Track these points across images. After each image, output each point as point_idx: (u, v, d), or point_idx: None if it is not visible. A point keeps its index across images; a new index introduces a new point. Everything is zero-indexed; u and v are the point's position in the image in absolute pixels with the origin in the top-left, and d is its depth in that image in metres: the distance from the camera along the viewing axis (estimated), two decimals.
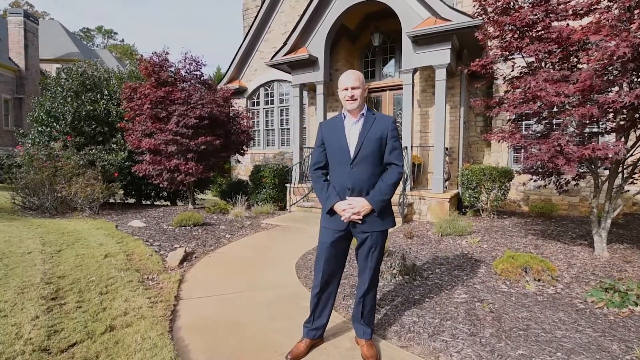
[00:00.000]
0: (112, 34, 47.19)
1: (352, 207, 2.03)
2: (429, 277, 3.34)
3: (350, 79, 2.08)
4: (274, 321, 2.62)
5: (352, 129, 2.12)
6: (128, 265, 3.87)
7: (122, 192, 9.54)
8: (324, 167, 2.24)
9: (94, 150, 7.81)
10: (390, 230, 4.98)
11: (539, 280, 3.11)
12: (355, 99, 2.08)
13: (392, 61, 8.92)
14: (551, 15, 3.80)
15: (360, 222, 2.06)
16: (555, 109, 3.76)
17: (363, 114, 2.13)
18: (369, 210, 2.04)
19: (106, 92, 9.01)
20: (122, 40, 47.64)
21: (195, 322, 2.64)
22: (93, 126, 8.62)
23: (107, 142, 8.67)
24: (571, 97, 3.55)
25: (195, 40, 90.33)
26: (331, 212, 2.13)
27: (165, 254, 4.40)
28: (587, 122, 3.33)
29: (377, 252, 2.12)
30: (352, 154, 2.07)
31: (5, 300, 2.84)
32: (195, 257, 4.37)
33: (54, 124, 8.52)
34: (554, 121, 4.02)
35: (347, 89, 2.08)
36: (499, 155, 7.93)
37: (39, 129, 8.75)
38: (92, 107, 8.56)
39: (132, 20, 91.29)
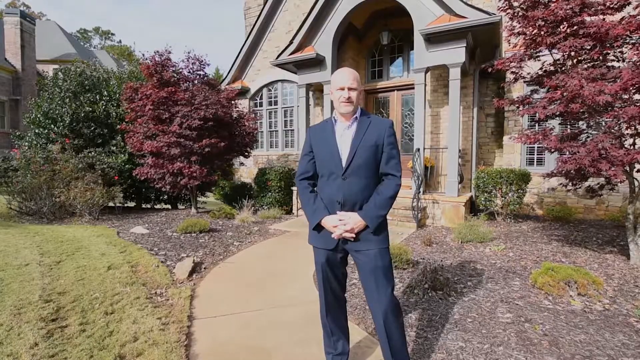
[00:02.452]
0: (110, 35, 46.72)
1: (344, 224, 1.77)
2: (462, 291, 3.08)
3: (347, 78, 1.82)
4: (303, 346, 2.36)
5: (344, 135, 1.86)
6: (133, 278, 3.60)
7: (121, 195, 9.24)
8: (312, 178, 1.98)
9: (93, 153, 7.51)
10: (405, 236, 4.64)
11: (583, 295, 2.87)
12: (352, 101, 1.83)
13: (400, 60, 8.68)
14: (586, 9, 3.56)
15: (352, 239, 1.80)
16: (595, 109, 3.51)
17: (357, 117, 1.88)
18: (363, 227, 1.78)
19: (105, 92, 8.71)
20: (120, 41, 47.20)
21: (214, 348, 2.37)
22: (92, 128, 8.32)
23: (107, 144, 8.37)
24: (608, 96, 3.32)
25: (192, 40, 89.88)
26: (318, 228, 1.87)
27: (172, 264, 4.13)
28: (638, 123, 3.09)
29: (385, 276, 1.78)
30: (344, 163, 1.81)
31: (0, 323, 2.56)
32: (205, 268, 4.10)
33: (52, 126, 8.21)
34: (592, 122, 3.77)
35: (343, 89, 1.81)
36: (511, 157, 7.69)
37: (36, 131, 8.44)
38: (91, 109, 8.26)
39: (129, 21, 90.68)
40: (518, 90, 7.04)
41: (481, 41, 6.76)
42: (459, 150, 6.94)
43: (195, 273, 3.92)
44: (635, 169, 4.04)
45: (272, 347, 2.36)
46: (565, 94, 3.27)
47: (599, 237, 5.18)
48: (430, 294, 2.94)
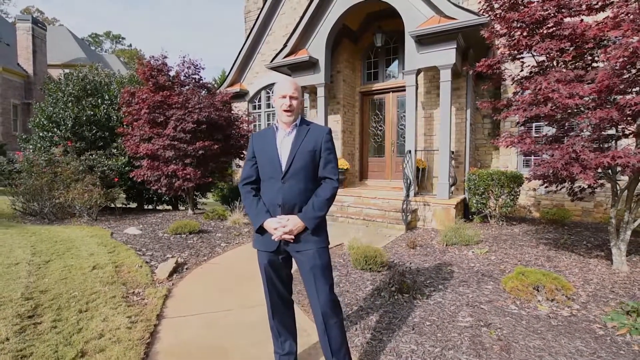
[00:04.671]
0: (120, 39, 47.78)
1: (284, 226, 1.83)
2: (431, 294, 3.08)
3: (289, 87, 1.90)
4: (260, 346, 2.41)
5: (284, 141, 1.94)
6: (115, 278, 3.70)
7: (124, 196, 9.46)
8: (255, 182, 2.04)
9: (94, 155, 7.72)
10: (392, 239, 4.70)
11: (552, 300, 2.84)
12: (293, 109, 1.91)
13: (396, 62, 8.67)
14: (563, 10, 3.53)
15: (292, 241, 1.86)
16: (569, 112, 3.47)
17: (296, 124, 1.95)
18: (302, 229, 1.85)
19: (107, 96, 8.94)
20: (130, 45, 48.22)
21: (175, 346, 2.44)
22: (94, 131, 8.54)
23: (108, 147, 8.58)
24: (586, 99, 3.28)
25: (202, 43, 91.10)
26: (261, 231, 1.93)
27: (156, 264, 4.22)
28: (607, 125, 3.05)
29: (322, 274, 1.86)
30: (283, 168, 1.88)
31: None
32: (187, 269, 4.18)
33: (55, 130, 8.45)
34: (568, 124, 3.73)
35: (285, 97, 1.89)
36: (507, 158, 7.61)
37: (41, 134, 8.70)
38: (92, 112, 8.49)
39: (140, 25, 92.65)
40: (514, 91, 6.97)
41: (474, 42, 6.71)
42: (452, 152, 6.91)
43: (176, 273, 4.00)
44: (622, 174, 3.98)
45: (230, 347, 2.41)
46: (538, 96, 3.24)
47: (591, 240, 5.09)
48: (396, 297, 2.96)
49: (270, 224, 1.87)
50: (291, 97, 1.89)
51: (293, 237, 1.84)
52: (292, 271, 2.08)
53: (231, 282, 3.74)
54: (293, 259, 1.99)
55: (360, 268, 3.71)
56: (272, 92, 10.64)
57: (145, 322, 2.73)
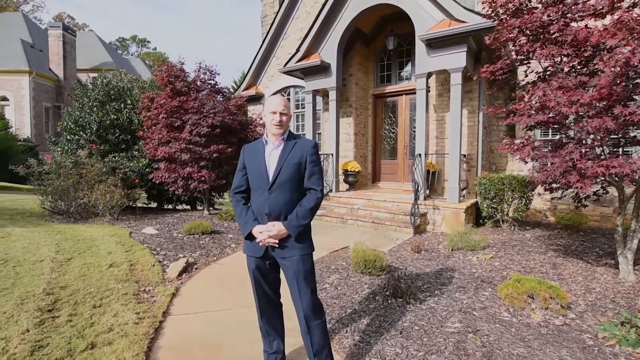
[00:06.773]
0: (146, 43, 49.56)
1: (269, 230, 1.97)
2: (425, 299, 3.14)
3: (280, 104, 2.04)
4: (254, 345, 2.55)
5: (272, 154, 2.07)
6: (129, 276, 3.95)
7: (145, 196, 9.89)
8: (245, 191, 2.18)
9: (117, 158, 8.13)
10: (399, 242, 4.85)
11: (546, 308, 2.84)
12: (282, 124, 2.05)
13: (409, 65, 8.65)
14: (568, 15, 3.48)
15: (276, 246, 1.99)
16: (571, 119, 3.43)
17: (284, 138, 2.08)
18: (286, 235, 1.98)
19: (129, 101, 9.37)
20: (155, 48, 49.93)
21: (176, 342, 2.62)
22: (117, 134, 8.98)
23: (130, 149, 9.00)
24: (588, 106, 3.23)
25: (222, 45, 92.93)
26: (250, 238, 2.07)
27: (168, 264, 4.46)
28: (603, 134, 3.00)
29: (305, 279, 2.00)
30: (270, 179, 2.02)
31: (3, 311, 2.96)
32: (196, 268, 4.39)
33: (81, 133, 8.96)
34: (571, 131, 3.68)
35: (275, 113, 2.03)
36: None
37: (68, 137, 9.23)
38: (116, 116, 8.93)
39: (165, 28, 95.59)
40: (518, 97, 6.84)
41: (486, 45, 6.61)
42: (464, 156, 6.85)
43: (185, 273, 4.22)
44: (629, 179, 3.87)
45: (226, 344, 2.57)
46: (538, 103, 3.23)
47: (604, 247, 4.95)
48: (389, 301, 3.03)
49: (257, 228, 2.02)
50: (281, 114, 2.03)
51: (277, 241, 1.97)
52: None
53: (235, 282, 3.91)
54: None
55: (360, 272, 3.80)
56: (287, 96, 10.82)
57: (152, 319, 2.93)
